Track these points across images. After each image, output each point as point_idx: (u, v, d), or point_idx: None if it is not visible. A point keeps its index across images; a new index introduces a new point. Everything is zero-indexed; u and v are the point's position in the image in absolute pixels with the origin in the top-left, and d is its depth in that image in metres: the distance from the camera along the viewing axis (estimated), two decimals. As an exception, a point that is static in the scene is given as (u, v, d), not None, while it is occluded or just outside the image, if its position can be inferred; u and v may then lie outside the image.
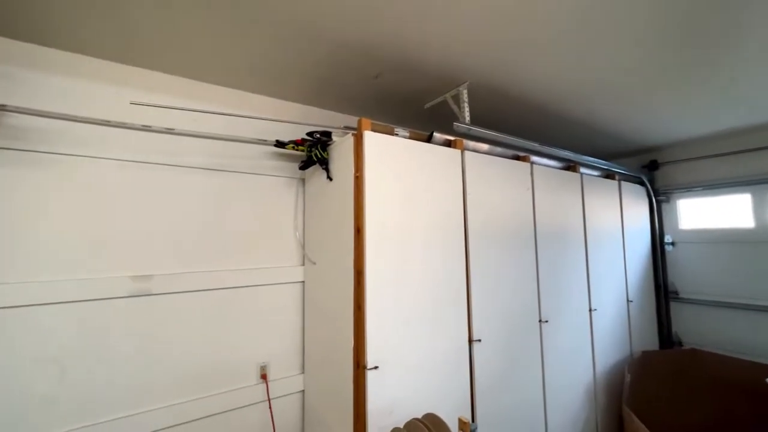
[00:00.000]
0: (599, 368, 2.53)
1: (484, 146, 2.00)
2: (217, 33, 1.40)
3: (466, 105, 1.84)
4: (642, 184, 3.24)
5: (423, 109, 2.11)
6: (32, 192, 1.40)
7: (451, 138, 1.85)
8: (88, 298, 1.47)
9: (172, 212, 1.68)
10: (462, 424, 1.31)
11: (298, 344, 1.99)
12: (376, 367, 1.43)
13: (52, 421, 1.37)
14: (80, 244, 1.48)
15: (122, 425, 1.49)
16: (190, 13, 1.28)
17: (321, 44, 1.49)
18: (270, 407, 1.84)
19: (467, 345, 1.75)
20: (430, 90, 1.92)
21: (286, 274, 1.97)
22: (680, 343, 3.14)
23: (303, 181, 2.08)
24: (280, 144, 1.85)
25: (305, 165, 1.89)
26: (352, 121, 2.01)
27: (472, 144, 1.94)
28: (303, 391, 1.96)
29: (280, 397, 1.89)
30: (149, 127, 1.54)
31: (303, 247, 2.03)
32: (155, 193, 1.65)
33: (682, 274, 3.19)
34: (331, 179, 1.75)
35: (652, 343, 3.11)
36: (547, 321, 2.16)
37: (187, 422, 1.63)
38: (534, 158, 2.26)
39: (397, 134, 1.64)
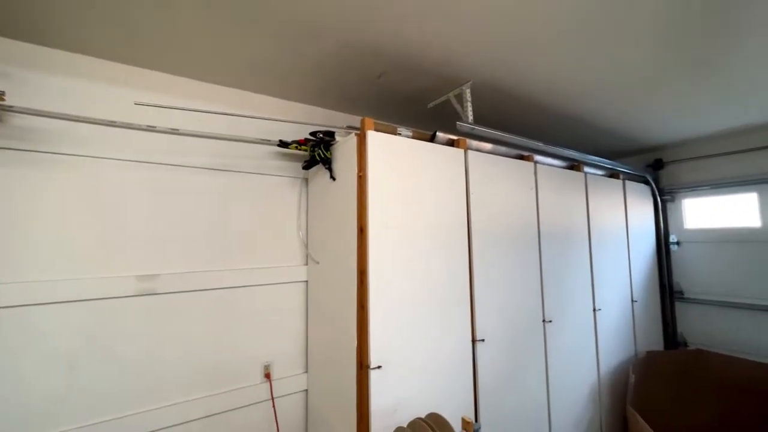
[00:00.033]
0: (603, 368, 2.52)
1: (488, 146, 2.00)
2: (219, 33, 1.41)
3: (469, 104, 1.83)
4: (647, 183, 3.22)
5: (426, 108, 2.11)
6: (37, 192, 1.42)
7: (454, 137, 1.85)
8: (94, 298, 1.48)
9: (176, 212, 1.69)
10: (465, 423, 1.31)
11: (302, 343, 2.00)
12: (379, 367, 1.43)
13: (58, 419, 1.39)
14: (86, 244, 1.49)
15: (128, 423, 1.50)
16: (191, 13, 1.29)
17: (324, 44, 1.49)
18: (273, 406, 1.85)
19: (470, 345, 1.75)
20: (433, 89, 1.92)
21: (290, 274, 1.98)
22: (685, 344, 3.12)
23: (306, 180, 2.08)
24: (283, 144, 1.85)
25: (308, 165, 1.89)
26: (355, 120, 2.02)
27: (475, 143, 1.93)
28: (306, 390, 1.97)
29: (283, 396, 1.89)
30: (153, 127, 1.55)
31: (306, 246, 2.03)
32: (160, 193, 1.66)
33: (687, 274, 3.17)
34: (334, 179, 1.75)
35: (656, 343, 3.09)
36: (550, 321, 2.15)
37: (191, 420, 1.64)
38: (537, 157, 2.25)
39: (400, 134, 1.64)
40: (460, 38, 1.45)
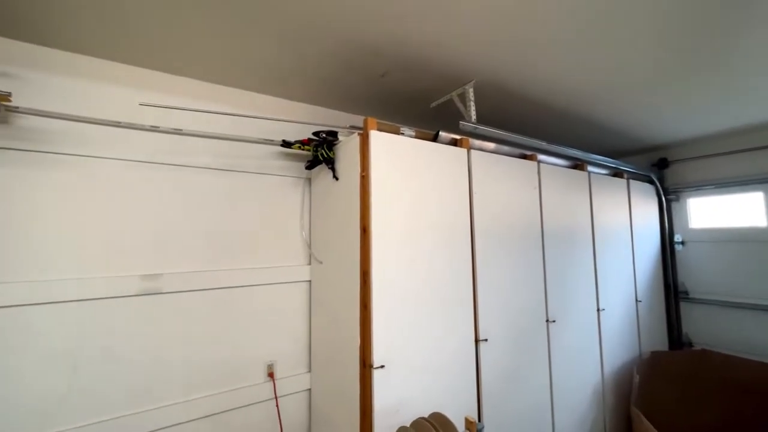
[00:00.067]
0: (607, 369, 2.51)
1: (491, 145, 1.99)
2: (221, 33, 1.41)
3: (472, 104, 1.83)
4: (651, 182, 3.20)
5: (429, 108, 2.11)
6: (42, 192, 1.43)
7: (458, 137, 1.85)
8: (98, 297, 1.49)
9: (180, 212, 1.70)
10: (468, 423, 1.31)
11: (305, 343, 2.00)
12: (382, 366, 1.43)
13: (61, 418, 1.40)
14: (90, 243, 1.50)
15: (131, 422, 1.51)
16: (193, 13, 1.29)
17: (326, 43, 1.49)
18: (277, 405, 1.85)
19: (473, 345, 1.75)
20: (435, 89, 1.91)
21: (293, 274, 1.98)
22: (690, 344, 3.10)
23: (309, 180, 2.08)
24: (286, 144, 1.86)
25: (311, 165, 1.90)
26: (358, 120, 2.01)
27: (478, 143, 1.93)
28: (309, 389, 1.98)
29: (287, 395, 1.90)
30: (157, 127, 1.56)
31: (309, 246, 2.04)
32: (163, 192, 1.67)
33: (692, 274, 3.15)
34: (337, 179, 1.75)
35: (661, 343, 3.07)
36: (554, 321, 2.14)
37: (195, 419, 1.65)
38: (541, 157, 2.24)
39: (403, 133, 1.63)
40: (462, 38, 1.45)
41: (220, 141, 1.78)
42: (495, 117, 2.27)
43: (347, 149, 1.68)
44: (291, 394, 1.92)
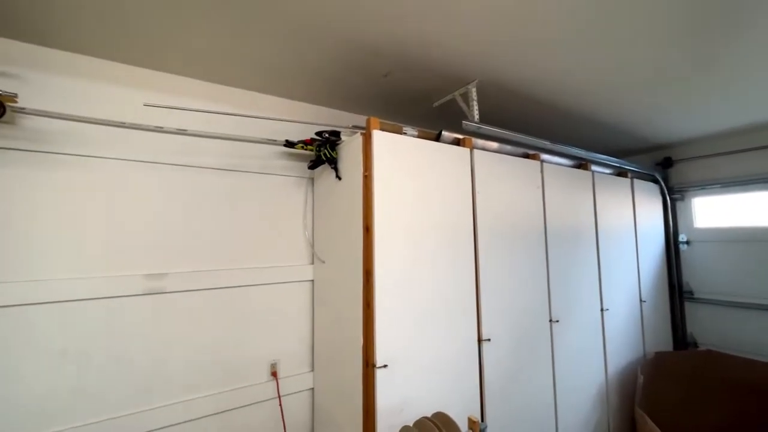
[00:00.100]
0: (611, 369, 2.50)
1: (494, 144, 1.99)
2: (222, 33, 1.42)
3: (475, 103, 1.82)
4: (656, 181, 3.18)
5: (432, 107, 2.11)
6: (47, 192, 1.44)
7: (460, 136, 1.84)
8: (103, 296, 1.50)
9: (183, 212, 1.71)
10: (471, 423, 1.31)
11: (308, 342, 2.01)
12: (385, 366, 1.43)
13: (64, 416, 1.41)
14: (96, 243, 1.51)
15: (135, 421, 1.52)
16: (194, 14, 1.29)
17: (326, 43, 1.49)
18: (280, 404, 1.86)
19: (477, 344, 1.74)
20: (438, 88, 1.91)
21: (296, 273, 1.99)
22: (695, 344, 3.08)
23: (312, 180, 2.09)
24: (289, 144, 1.86)
25: (314, 164, 1.90)
26: (361, 120, 2.02)
27: (481, 142, 1.93)
28: (312, 388, 1.98)
29: (290, 394, 1.91)
30: (161, 128, 1.57)
31: (312, 246, 2.04)
32: (167, 192, 1.68)
33: (697, 274, 3.13)
34: (340, 178, 1.75)
35: (666, 343, 3.05)
36: (557, 321, 2.14)
37: (199, 418, 1.66)
38: (544, 156, 2.23)
39: (405, 133, 1.64)
40: (463, 38, 1.45)
41: (224, 141, 1.79)
42: (498, 116, 2.26)
43: (350, 149, 1.68)
44: (294, 393, 1.93)
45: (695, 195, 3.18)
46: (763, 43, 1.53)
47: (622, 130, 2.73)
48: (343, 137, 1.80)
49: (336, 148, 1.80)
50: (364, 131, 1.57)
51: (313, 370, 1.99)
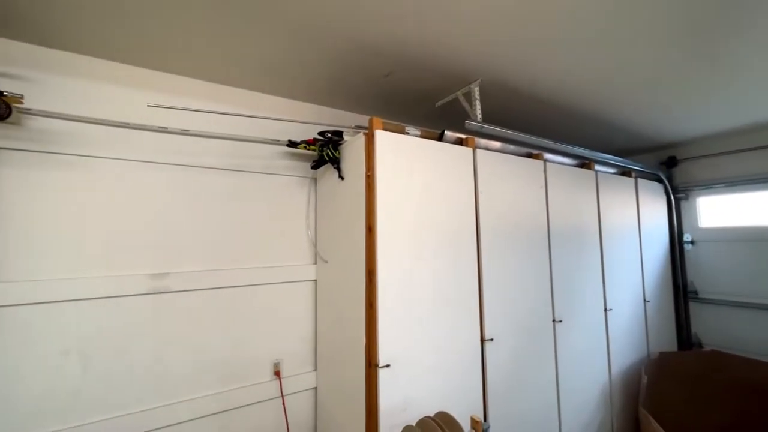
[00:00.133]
0: (615, 369, 2.49)
1: (497, 144, 1.98)
2: (222, 33, 1.42)
3: (477, 103, 1.82)
4: (660, 181, 3.15)
5: (434, 107, 2.11)
6: (48, 192, 1.44)
7: (463, 136, 1.84)
8: (108, 295, 1.51)
9: (187, 212, 1.72)
10: (474, 423, 1.31)
11: (311, 342, 2.01)
12: (388, 365, 1.43)
13: (65, 416, 1.41)
14: (100, 243, 1.52)
15: (138, 419, 1.53)
16: (194, 14, 1.30)
17: (329, 44, 1.49)
18: (283, 403, 1.87)
19: (479, 344, 1.74)
20: (441, 88, 1.91)
21: (299, 273, 1.99)
22: (700, 345, 3.06)
23: (315, 180, 2.09)
24: (292, 144, 1.87)
25: (317, 164, 1.90)
26: (364, 120, 2.02)
27: (483, 142, 1.92)
28: (315, 388, 1.99)
29: (293, 393, 1.91)
30: (165, 128, 1.58)
31: (315, 245, 2.05)
32: (171, 192, 1.69)
33: (701, 274, 3.10)
34: (342, 178, 1.76)
35: (670, 343, 3.04)
36: (561, 321, 2.13)
37: (202, 417, 1.67)
38: (547, 155, 2.22)
39: (408, 133, 1.63)
40: (464, 38, 1.45)
41: (226, 141, 1.79)
42: (501, 116, 2.26)
43: (352, 149, 1.68)
44: (297, 392, 1.93)
45: (700, 194, 3.15)
46: (763, 43, 1.52)
47: (626, 129, 2.71)
48: (345, 137, 1.80)
49: (338, 148, 1.80)
50: (366, 131, 1.58)
51: (315, 370, 2.00)
